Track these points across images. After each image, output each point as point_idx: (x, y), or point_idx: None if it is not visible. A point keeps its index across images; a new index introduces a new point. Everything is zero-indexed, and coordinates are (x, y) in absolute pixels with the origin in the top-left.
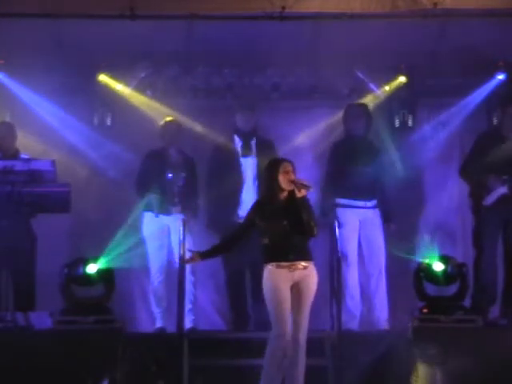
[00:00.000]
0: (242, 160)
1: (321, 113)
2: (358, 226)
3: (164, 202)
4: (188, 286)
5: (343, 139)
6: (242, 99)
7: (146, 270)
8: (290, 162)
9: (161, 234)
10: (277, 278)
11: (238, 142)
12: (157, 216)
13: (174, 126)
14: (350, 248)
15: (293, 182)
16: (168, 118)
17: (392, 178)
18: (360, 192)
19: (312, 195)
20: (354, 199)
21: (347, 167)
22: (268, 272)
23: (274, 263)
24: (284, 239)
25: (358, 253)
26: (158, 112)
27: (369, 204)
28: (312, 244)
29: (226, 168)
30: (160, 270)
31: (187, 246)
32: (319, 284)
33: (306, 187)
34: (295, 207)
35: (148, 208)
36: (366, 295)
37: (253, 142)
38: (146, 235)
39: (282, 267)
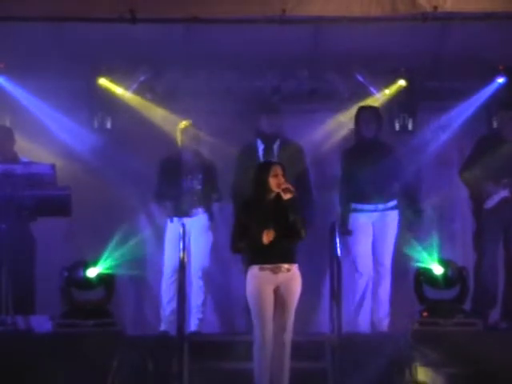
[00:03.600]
0: None
1: (321, 116)
2: (372, 230)
3: (180, 206)
4: (197, 291)
5: (354, 144)
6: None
7: (145, 273)
8: (280, 165)
9: (179, 236)
10: (260, 281)
11: (260, 146)
12: (171, 221)
13: (191, 130)
14: (363, 254)
15: (279, 185)
16: (185, 123)
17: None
18: (372, 195)
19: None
20: (366, 203)
21: (360, 171)
22: (251, 274)
23: (257, 265)
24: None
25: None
26: (158, 115)
27: (381, 207)
28: (312, 246)
29: (247, 172)
30: (173, 271)
31: (208, 246)
32: (319, 286)
33: (290, 191)
34: (282, 209)
35: (168, 214)
36: (372, 297)
37: (275, 145)
38: (167, 239)
39: (266, 269)
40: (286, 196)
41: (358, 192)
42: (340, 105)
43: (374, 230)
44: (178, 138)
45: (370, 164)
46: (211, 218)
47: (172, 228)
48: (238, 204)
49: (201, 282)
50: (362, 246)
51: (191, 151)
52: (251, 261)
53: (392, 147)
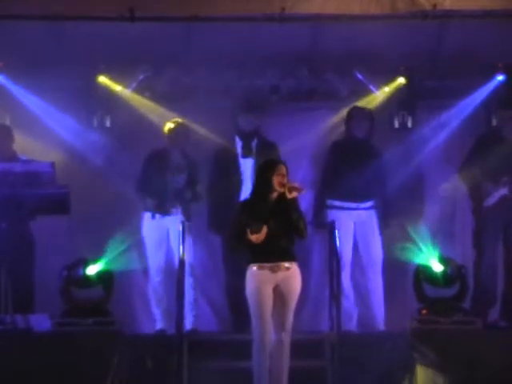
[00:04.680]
0: (242, 161)
1: (320, 115)
2: (353, 227)
3: (163, 203)
4: (187, 289)
5: (343, 139)
6: (241, 100)
7: (145, 271)
8: (284, 164)
9: (160, 235)
10: (259, 280)
11: (238, 143)
12: (153, 218)
13: (181, 129)
14: (344, 250)
15: (284, 184)
16: (175, 120)
17: (392, 180)
18: (355, 194)
19: (307, 196)
20: (349, 201)
21: (344, 168)
22: (251, 273)
23: (256, 264)
24: (269, 240)
25: (355, 254)
26: (157, 114)
27: (362, 205)
28: (310, 246)
29: (225, 169)
30: (158, 271)
31: (187, 247)
32: (319, 286)
33: (298, 190)
34: (285, 208)
35: (147, 209)
36: (363, 296)
37: (253, 143)
38: (146, 235)
39: (265, 268)
40: (291, 195)
41: (341, 189)
42: (339, 103)
43: (355, 229)
44: (166, 134)
45: (355, 162)
46: (189, 218)
47: (151, 224)
48: (218, 200)
49: (191, 279)
50: (343, 242)
51: (178, 149)
52: (250, 260)
53: (379, 151)
